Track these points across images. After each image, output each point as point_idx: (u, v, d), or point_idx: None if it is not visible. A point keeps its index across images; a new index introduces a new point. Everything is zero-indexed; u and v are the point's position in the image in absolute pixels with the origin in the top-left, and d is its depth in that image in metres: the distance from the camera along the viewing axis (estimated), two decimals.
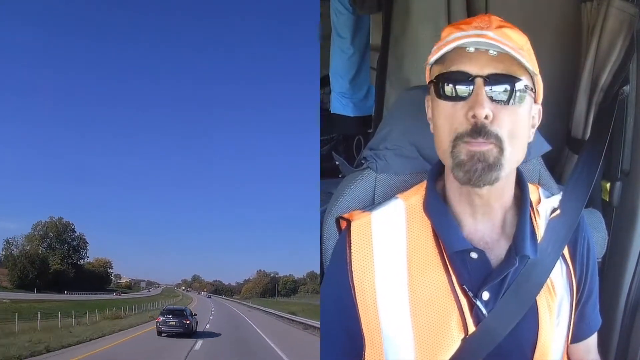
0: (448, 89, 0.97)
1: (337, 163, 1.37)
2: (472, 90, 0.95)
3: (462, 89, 0.96)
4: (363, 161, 1.26)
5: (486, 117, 0.93)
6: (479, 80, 0.95)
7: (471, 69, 0.95)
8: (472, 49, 0.95)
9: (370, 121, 2.93)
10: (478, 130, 0.94)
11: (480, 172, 0.94)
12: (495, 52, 0.95)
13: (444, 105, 0.98)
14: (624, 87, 1.53)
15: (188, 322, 10.12)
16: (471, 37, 0.95)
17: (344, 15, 2.91)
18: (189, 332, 9.97)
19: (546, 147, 1.26)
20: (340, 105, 3.03)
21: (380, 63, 2.19)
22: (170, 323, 9.88)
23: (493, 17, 1.01)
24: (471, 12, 1.97)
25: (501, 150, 0.95)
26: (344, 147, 3.03)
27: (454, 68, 0.96)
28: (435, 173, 1.09)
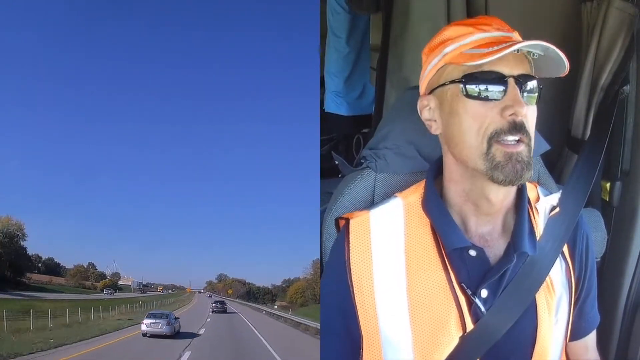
0: (480, 89, 0.97)
1: (336, 163, 1.37)
2: (506, 90, 0.96)
3: (496, 89, 0.97)
4: (362, 161, 1.26)
5: (524, 115, 0.96)
6: (511, 81, 0.96)
7: (504, 69, 0.97)
8: (518, 51, 0.97)
9: (365, 120, 2.94)
10: (518, 127, 0.95)
11: (520, 172, 0.96)
12: (536, 55, 0.98)
13: (473, 105, 0.98)
14: (624, 87, 1.53)
15: (225, 306, 16.28)
16: (513, 42, 0.96)
17: (340, 15, 2.92)
18: (226, 311, 15.99)
19: (546, 147, 1.26)
20: (335, 105, 3.04)
21: (380, 63, 2.20)
22: (218, 307, 15.98)
23: (498, 19, 1.04)
24: (471, 11, 1.97)
25: (530, 148, 0.97)
26: (343, 147, 3.04)
27: (486, 68, 0.97)
28: (434, 172, 1.09)
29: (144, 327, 9.21)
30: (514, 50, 0.96)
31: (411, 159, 1.21)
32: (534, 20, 1.78)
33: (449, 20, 1.97)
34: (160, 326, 9.13)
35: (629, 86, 1.53)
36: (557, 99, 1.70)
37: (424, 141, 1.17)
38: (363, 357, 1.07)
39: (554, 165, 1.69)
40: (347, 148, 2.99)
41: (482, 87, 0.97)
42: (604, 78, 1.59)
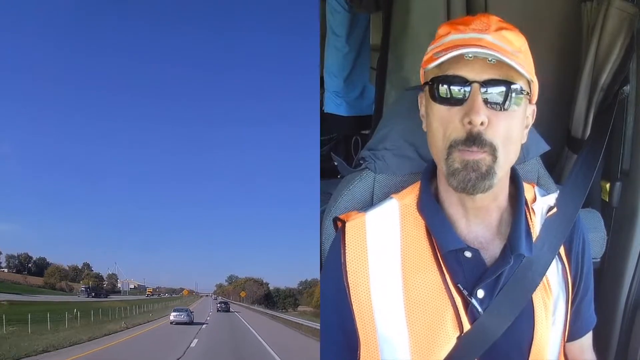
0: (444, 93, 0.97)
1: (335, 163, 1.37)
2: (469, 95, 0.95)
3: (458, 94, 0.96)
4: (361, 161, 1.26)
5: (482, 124, 0.94)
6: (475, 86, 0.95)
7: (468, 74, 0.95)
8: (470, 56, 0.95)
9: (365, 121, 2.93)
10: (472, 139, 0.94)
11: (474, 181, 0.95)
12: (493, 60, 0.95)
13: (439, 109, 0.98)
14: (624, 87, 1.53)
15: (228, 305, 17.27)
16: (470, 46, 0.94)
17: (340, 14, 2.91)
18: (229, 310, 17.13)
19: (545, 147, 1.26)
20: (334, 105, 3.03)
21: (380, 63, 2.19)
22: (222, 306, 17.07)
23: (492, 17, 1.01)
24: (471, 11, 1.97)
25: (495, 158, 0.95)
26: (343, 147, 3.03)
27: (450, 72, 0.96)
28: (429, 173, 1.09)
29: (172, 318, 12.36)
30: (467, 55, 0.93)
31: (410, 160, 1.21)
32: (534, 20, 1.77)
33: (449, 20, 1.96)
34: (183, 317, 12.37)
35: (629, 86, 1.53)
36: (557, 99, 1.70)
37: (423, 142, 1.16)
38: (361, 358, 1.07)
39: (554, 166, 1.69)
40: (347, 148, 2.99)
41: (446, 91, 0.96)
42: (604, 78, 1.58)
